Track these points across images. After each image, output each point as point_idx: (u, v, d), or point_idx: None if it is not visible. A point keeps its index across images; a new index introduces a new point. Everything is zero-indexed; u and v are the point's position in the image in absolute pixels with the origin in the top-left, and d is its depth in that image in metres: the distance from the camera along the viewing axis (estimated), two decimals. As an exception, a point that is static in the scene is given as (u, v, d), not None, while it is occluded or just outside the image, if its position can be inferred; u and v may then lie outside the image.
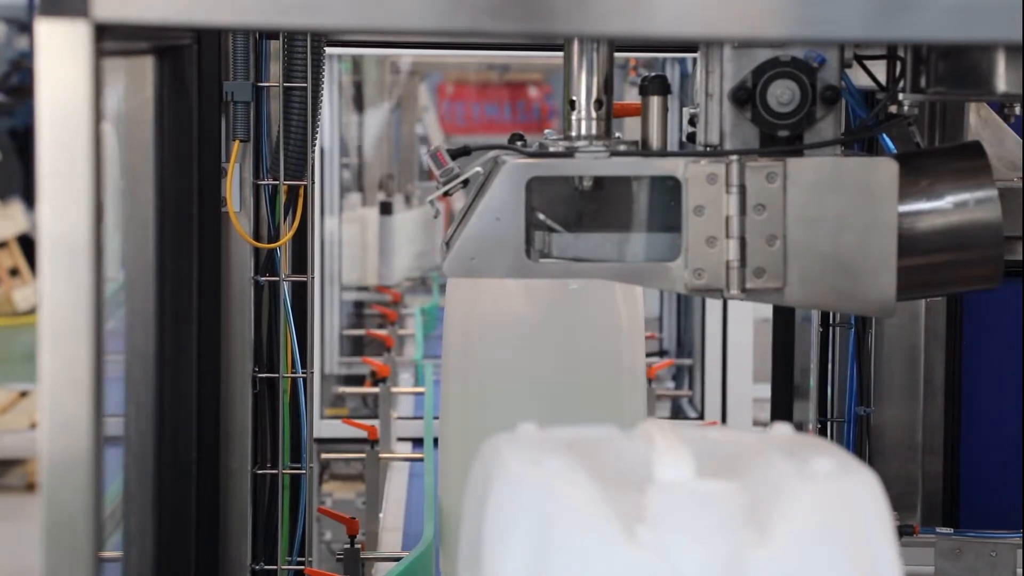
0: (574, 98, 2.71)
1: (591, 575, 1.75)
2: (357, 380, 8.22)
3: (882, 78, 2.90)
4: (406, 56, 9.69)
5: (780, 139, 2.61)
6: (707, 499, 1.79)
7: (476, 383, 3.87)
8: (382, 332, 7.68)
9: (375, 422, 5.61)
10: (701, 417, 6.83)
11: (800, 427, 5.12)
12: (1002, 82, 2.59)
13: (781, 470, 1.87)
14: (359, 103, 9.92)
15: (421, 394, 6.42)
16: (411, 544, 4.80)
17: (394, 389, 6.27)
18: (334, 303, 8.29)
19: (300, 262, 4.42)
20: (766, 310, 5.88)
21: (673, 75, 7.33)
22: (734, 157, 2.57)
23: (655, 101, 2.74)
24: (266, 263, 4.20)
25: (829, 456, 1.90)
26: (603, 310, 3.79)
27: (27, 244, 12.32)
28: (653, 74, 2.77)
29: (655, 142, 2.73)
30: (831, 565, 1.77)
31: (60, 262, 2.10)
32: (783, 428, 2.04)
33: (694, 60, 5.08)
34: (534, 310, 3.82)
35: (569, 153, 2.64)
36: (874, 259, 2.59)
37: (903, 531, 3.87)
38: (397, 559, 4.27)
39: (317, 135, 4.25)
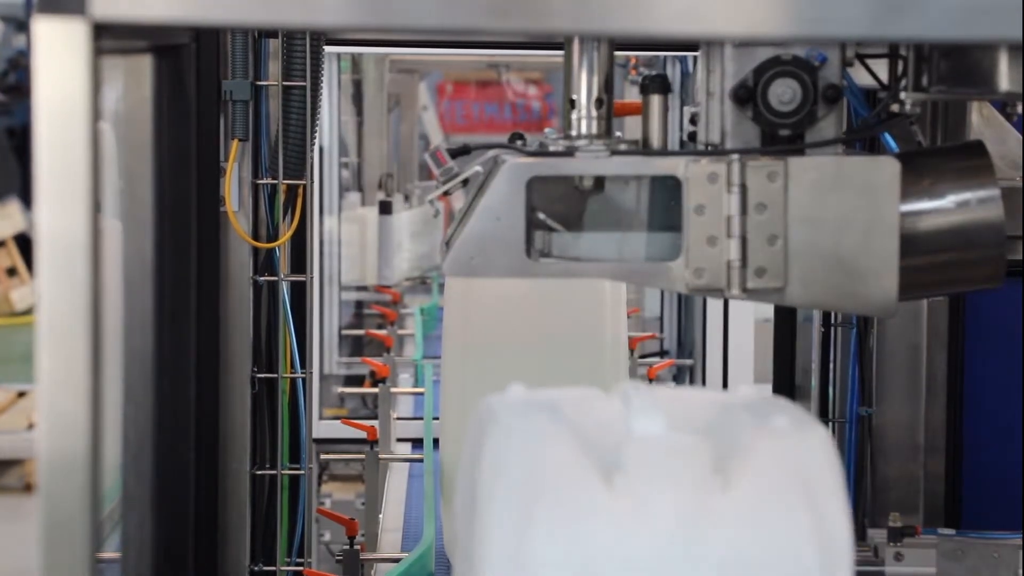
0: (574, 97, 2.69)
1: (572, 518, 1.95)
2: (356, 380, 8.21)
3: (884, 77, 2.89)
4: (402, 55, 9.68)
5: (781, 138, 2.60)
6: (676, 450, 2.00)
7: (475, 348, 4.13)
8: (381, 332, 7.68)
9: (374, 423, 5.60)
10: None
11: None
12: (1004, 81, 2.58)
13: (743, 426, 2.08)
14: (358, 102, 9.91)
15: (421, 394, 6.41)
16: (411, 545, 4.79)
17: (393, 389, 6.26)
18: (333, 303, 8.28)
19: (299, 262, 4.41)
20: (767, 310, 5.87)
21: (674, 74, 7.33)
22: (735, 156, 2.56)
23: (656, 100, 2.73)
24: (265, 263, 4.19)
25: (786, 414, 2.12)
26: (590, 293, 4.16)
27: (24, 243, 12.30)
28: (654, 73, 2.76)
29: (656, 141, 2.72)
30: (786, 510, 1.98)
31: (58, 261, 2.09)
32: (747, 389, 2.30)
33: (695, 59, 5.06)
34: (526, 290, 4.10)
35: (569, 152, 2.63)
36: (876, 259, 2.58)
37: (905, 532, 3.86)
38: (397, 560, 4.26)
39: (316, 134, 4.24)
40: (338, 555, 4.38)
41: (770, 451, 2.02)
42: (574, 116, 2.70)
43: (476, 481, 2.09)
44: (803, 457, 2.03)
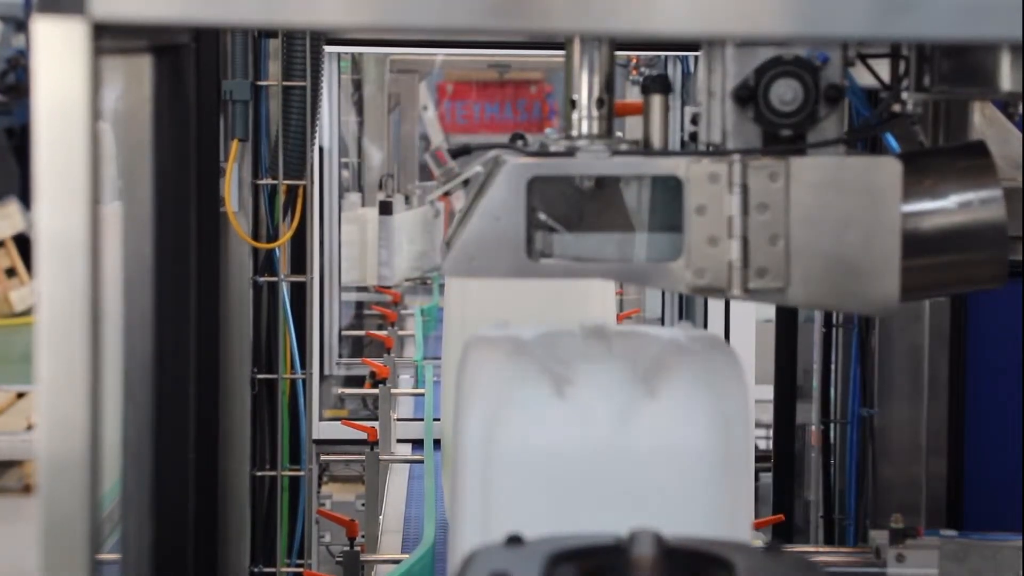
0: (575, 97, 2.69)
1: (529, 421, 2.47)
2: (357, 381, 8.20)
3: (886, 77, 2.89)
4: (403, 55, 9.68)
5: (783, 138, 2.59)
6: (612, 367, 2.53)
7: (473, 320, 4.36)
8: (382, 333, 7.67)
9: (375, 424, 5.60)
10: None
11: (803, 429, 5.11)
12: (1006, 80, 2.58)
13: (670, 349, 2.60)
14: (358, 102, 9.90)
15: (421, 395, 6.41)
16: (411, 546, 4.78)
17: (394, 390, 6.26)
18: (333, 304, 8.27)
19: (299, 262, 4.41)
20: (769, 310, 5.87)
21: (675, 74, 7.31)
22: (736, 156, 2.55)
23: (657, 100, 2.72)
24: (265, 263, 4.18)
25: (706, 341, 2.66)
26: (584, 291, 4.57)
27: (24, 244, 12.29)
28: (655, 73, 2.76)
29: (657, 141, 2.71)
30: (699, 412, 2.48)
31: (58, 261, 2.08)
32: (685, 325, 2.79)
33: (696, 59, 5.06)
34: (526, 291, 4.37)
35: (570, 152, 2.62)
36: (877, 258, 2.57)
37: (907, 533, 3.85)
38: (397, 561, 4.25)
39: (316, 134, 4.24)
40: (338, 556, 4.38)
41: (687, 368, 2.54)
42: (575, 116, 2.69)
43: (458, 396, 2.57)
44: (714, 373, 2.56)
